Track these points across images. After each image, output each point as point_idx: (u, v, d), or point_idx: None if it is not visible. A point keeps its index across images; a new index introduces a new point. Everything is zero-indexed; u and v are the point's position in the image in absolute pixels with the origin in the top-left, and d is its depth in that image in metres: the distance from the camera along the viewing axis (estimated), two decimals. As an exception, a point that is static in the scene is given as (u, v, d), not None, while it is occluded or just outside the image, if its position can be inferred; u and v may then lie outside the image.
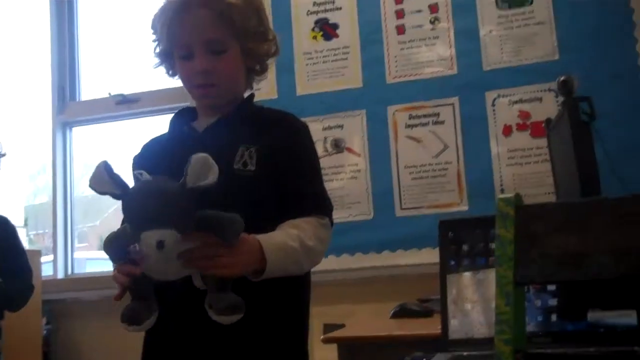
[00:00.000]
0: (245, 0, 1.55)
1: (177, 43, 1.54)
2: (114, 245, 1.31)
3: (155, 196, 1.22)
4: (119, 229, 1.34)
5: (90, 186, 1.25)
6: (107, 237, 1.33)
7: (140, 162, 1.65)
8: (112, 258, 1.33)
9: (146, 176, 1.28)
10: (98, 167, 1.24)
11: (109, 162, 1.25)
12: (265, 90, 2.96)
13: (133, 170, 1.65)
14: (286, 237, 1.41)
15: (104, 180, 1.24)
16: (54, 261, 3.81)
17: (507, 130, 3.02)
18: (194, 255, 1.24)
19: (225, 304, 1.28)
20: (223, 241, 1.26)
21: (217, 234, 1.26)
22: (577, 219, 0.97)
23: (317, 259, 1.50)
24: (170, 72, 1.65)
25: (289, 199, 1.49)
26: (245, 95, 1.66)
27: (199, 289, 1.30)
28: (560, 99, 2.71)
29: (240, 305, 1.28)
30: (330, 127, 3.22)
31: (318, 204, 1.53)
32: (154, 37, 1.62)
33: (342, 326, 2.37)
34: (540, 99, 2.98)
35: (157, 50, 1.62)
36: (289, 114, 1.63)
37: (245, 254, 1.32)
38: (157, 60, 1.64)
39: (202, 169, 1.23)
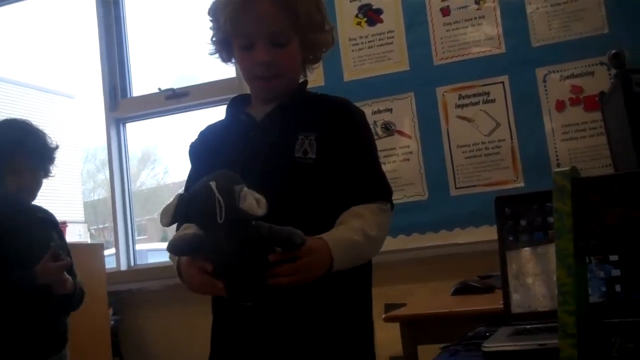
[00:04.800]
0: None
1: (239, 33, 1.53)
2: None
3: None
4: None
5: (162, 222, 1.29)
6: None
7: (198, 150, 1.66)
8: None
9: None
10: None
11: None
12: (312, 77, 2.97)
13: (190, 157, 1.68)
14: (350, 232, 1.41)
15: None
16: (117, 254, 3.89)
17: (560, 106, 3.00)
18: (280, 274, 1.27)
19: None
20: (294, 249, 1.28)
21: (286, 245, 1.28)
22: (636, 190, 0.97)
23: (378, 246, 1.51)
24: (225, 57, 1.64)
25: (350, 186, 1.49)
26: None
27: None
28: (613, 72, 2.68)
29: None
30: (379, 111, 3.24)
31: (379, 189, 1.53)
32: (211, 24, 1.60)
33: (402, 305, 2.38)
34: (592, 73, 2.95)
35: (215, 37, 1.61)
36: (345, 100, 1.62)
37: (318, 265, 1.33)
38: (212, 47, 1.63)
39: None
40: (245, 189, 1.23)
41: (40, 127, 2.64)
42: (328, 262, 1.35)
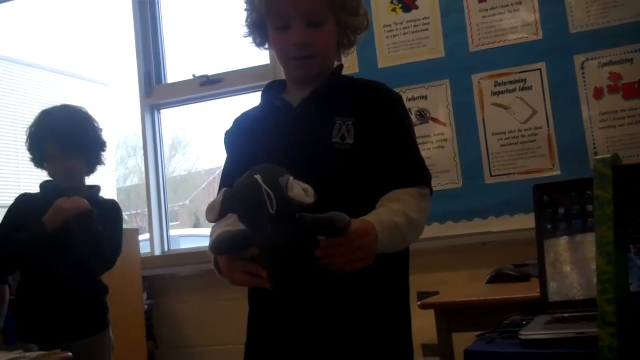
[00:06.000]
0: None
1: (273, 13, 1.51)
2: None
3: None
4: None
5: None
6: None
7: (233, 137, 1.65)
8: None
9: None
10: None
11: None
12: (346, 64, 2.97)
13: (226, 145, 1.67)
14: (391, 214, 1.39)
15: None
16: (150, 239, 3.92)
17: (598, 93, 2.95)
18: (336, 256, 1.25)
19: None
20: (337, 234, 1.25)
21: (328, 232, 1.25)
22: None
23: (419, 230, 1.48)
24: (259, 42, 1.63)
25: (388, 171, 1.47)
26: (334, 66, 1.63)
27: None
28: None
29: None
30: (414, 98, 3.22)
31: (418, 174, 1.51)
32: (246, 5, 1.59)
33: (436, 293, 2.37)
34: (631, 60, 2.91)
35: (249, 19, 1.60)
36: (382, 84, 1.60)
37: (370, 250, 1.30)
38: (246, 30, 1.62)
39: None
40: (291, 179, 1.21)
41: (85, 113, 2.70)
42: (376, 245, 1.32)
